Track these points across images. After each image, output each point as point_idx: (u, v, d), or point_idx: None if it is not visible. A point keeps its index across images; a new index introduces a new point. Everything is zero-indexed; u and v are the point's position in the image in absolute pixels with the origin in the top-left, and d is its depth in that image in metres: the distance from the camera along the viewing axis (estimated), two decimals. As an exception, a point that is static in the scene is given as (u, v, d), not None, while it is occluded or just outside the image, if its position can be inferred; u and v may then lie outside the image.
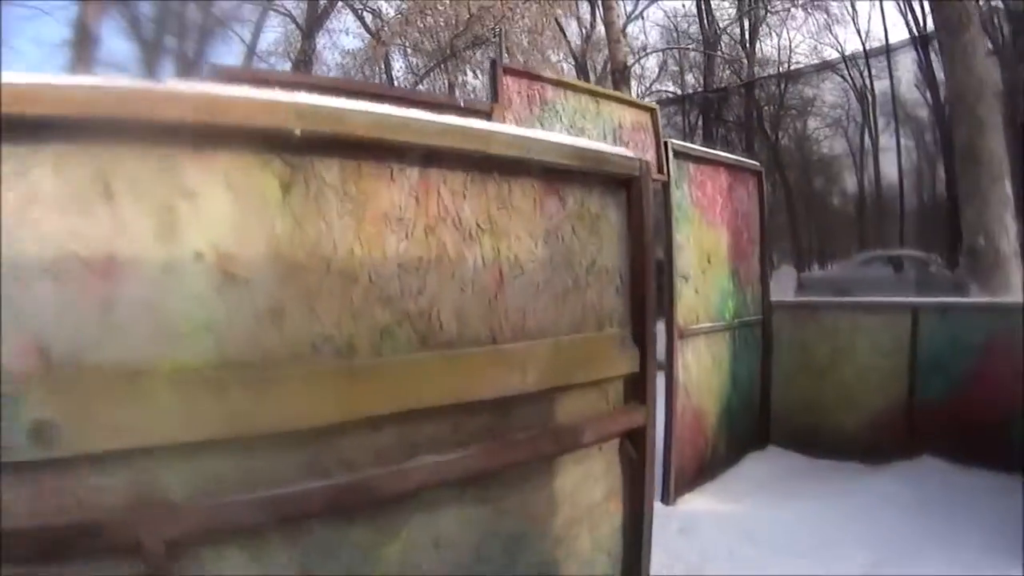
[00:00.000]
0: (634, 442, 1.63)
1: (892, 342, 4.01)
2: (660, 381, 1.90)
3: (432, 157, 1.31)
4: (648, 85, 19.40)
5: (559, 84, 3.15)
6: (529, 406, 1.42)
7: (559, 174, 1.48)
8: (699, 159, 3.96)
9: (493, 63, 2.97)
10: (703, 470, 3.92)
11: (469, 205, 1.35)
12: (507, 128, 1.38)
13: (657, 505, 3.76)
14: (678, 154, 3.74)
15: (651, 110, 3.64)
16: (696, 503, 3.62)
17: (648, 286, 1.63)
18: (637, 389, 1.62)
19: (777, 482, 3.88)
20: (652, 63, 19.62)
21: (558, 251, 1.47)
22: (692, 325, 3.80)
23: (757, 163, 4.69)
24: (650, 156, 3.57)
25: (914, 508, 3.24)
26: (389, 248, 1.28)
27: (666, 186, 3.62)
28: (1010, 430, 3.54)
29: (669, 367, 3.65)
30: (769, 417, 4.51)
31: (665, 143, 3.65)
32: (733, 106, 19.42)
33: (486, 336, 1.36)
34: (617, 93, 4.22)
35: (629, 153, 1.66)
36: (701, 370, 3.94)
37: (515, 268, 1.39)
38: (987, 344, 3.78)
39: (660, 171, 3.60)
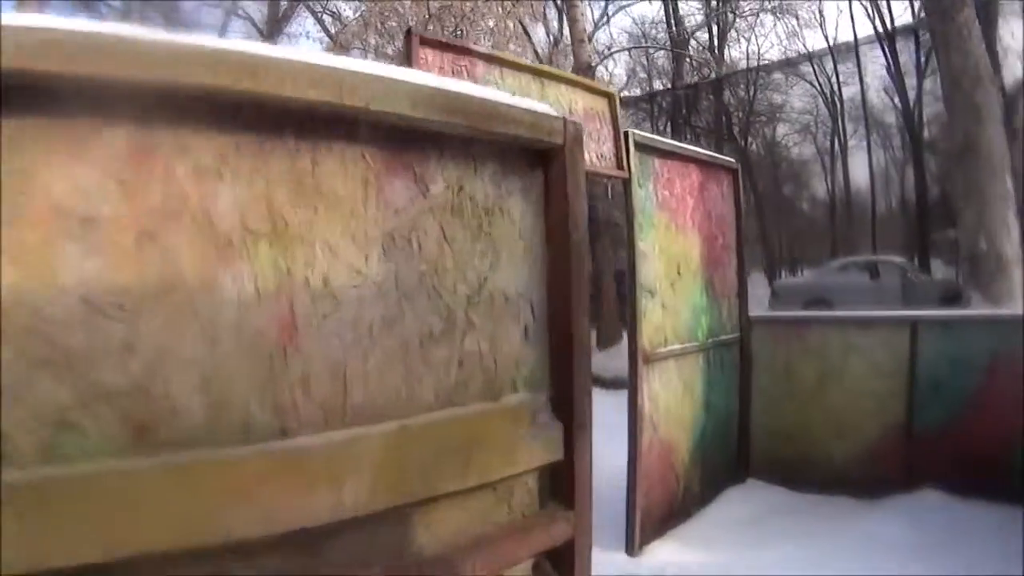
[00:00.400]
0: (557, 564, 1.03)
1: (889, 362, 3.50)
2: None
3: (158, 105, 0.71)
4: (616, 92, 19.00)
5: (493, 60, 2.57)
6: (358, 537, 0.81)
7: (416, 139, 0.89)
8: (666, 153, 3.42)
9: (408, 32, 2.39)
10: (674, 512, 3.38)
11: (231, 191, 0.74)
12: (309, 56, 0.77)
13: (620, 557, 3.27)
14: (641, 147, 3.19)
15: (608, 96, 3.10)
16: (665, 552, 3.17)
17: (578, 322, 1.04)
18: (560, 485, 1.02)
19: (758, 522, 3.46)
20: (620, 70, 19.29)
21: (410, 268, 0.87)
22: (659, 348, 3.24)
23: (732, 159, 4.17)
24: (607, 149, 3.01)
25: (913, 550, 2.82)
26: (67, 270, 0.67)
27: (627, 184, 3.06)
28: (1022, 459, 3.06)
29: (633, 397, 3.10)
30: (749, 448, 3.98)
31: (626, 134, 3.09)
32: (703, 111, 19.20)
33: (265, 423, 0.75)
34: (568, 74, 3.65)
35: (548, 109, 1.07)
36: (671, 398, 3.39)
37: (323, 301, 0.78)
38: (992, 363, 3.30)
39: (620, 167, 3.04)
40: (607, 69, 16.75)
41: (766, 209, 20.27)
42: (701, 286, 3.65)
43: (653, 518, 3.20)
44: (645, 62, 19.54)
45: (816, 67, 19.64)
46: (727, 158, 4.20)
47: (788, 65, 19.11)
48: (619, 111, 3.19)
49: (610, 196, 9.40)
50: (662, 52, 18.58)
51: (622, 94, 19.66)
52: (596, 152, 2.94)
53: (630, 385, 3.15)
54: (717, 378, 3.80)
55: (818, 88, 20.22)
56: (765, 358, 3.93)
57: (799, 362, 3.80)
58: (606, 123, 3.08)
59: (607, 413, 2.38)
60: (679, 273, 3.39)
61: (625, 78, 19.70)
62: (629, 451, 3.17)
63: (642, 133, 3.33)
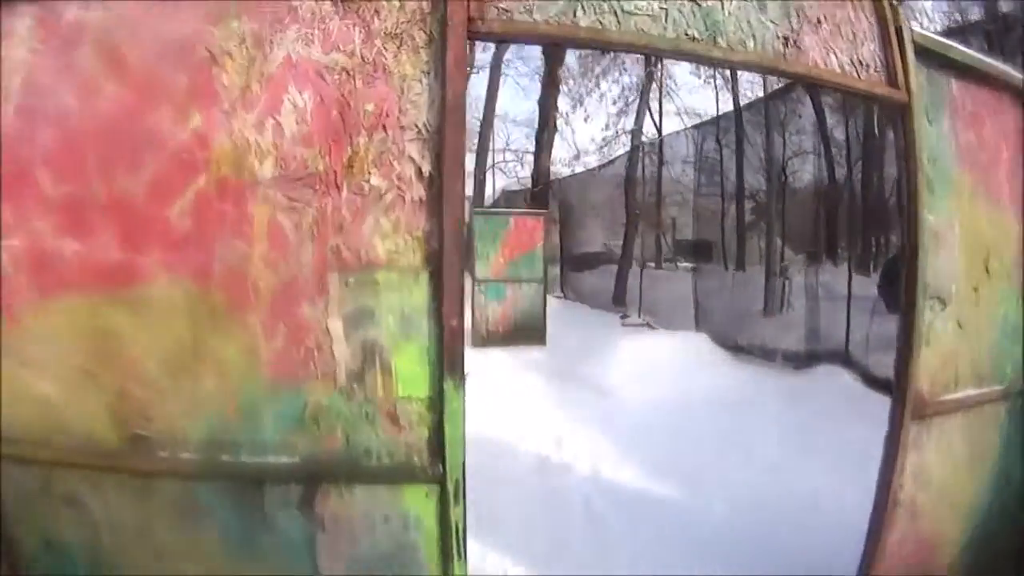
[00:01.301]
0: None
1: None
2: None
3: None
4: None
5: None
6: None
7: None
8: (970, 72, 2.04)
9: None
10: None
11: None
12: None
13: None
14: (927, 54, 1.89)
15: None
16: None
17: None
18: None
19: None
20: None
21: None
22: (945, 393, 1.93)
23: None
24: (868, 52, 1.79)
25: None
26: None
27: (904, 114, 1.80)
28: None
29: (887, 470, 1.89)
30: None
31: (898, 30, 1.83)
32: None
33: None
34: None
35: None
36: (948, 473, 2.07)
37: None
38: None
39: (893, 83, 1.79)
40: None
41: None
42: (1017, 295, 2.20)
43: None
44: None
45: None
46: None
47: None
48: None
49: (856, 132, 6.66)
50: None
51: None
52: (849, 55, 1.74)
53: (886, 450, 1.91)
54: (1015, 442, 2.32)
55: None
56: None
57: None
58: (863, 11, 1.84)
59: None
60: (988, 271, 2.01)
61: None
62: (866, 549, 1.96)
63: (927, 34, 2.01)
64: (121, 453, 1.46)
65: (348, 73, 1.45)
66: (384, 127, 1.47)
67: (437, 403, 1.51)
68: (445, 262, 1.47)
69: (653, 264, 12.22)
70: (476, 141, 21.51)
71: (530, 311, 8.43)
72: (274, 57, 1.44)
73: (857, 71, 1.77)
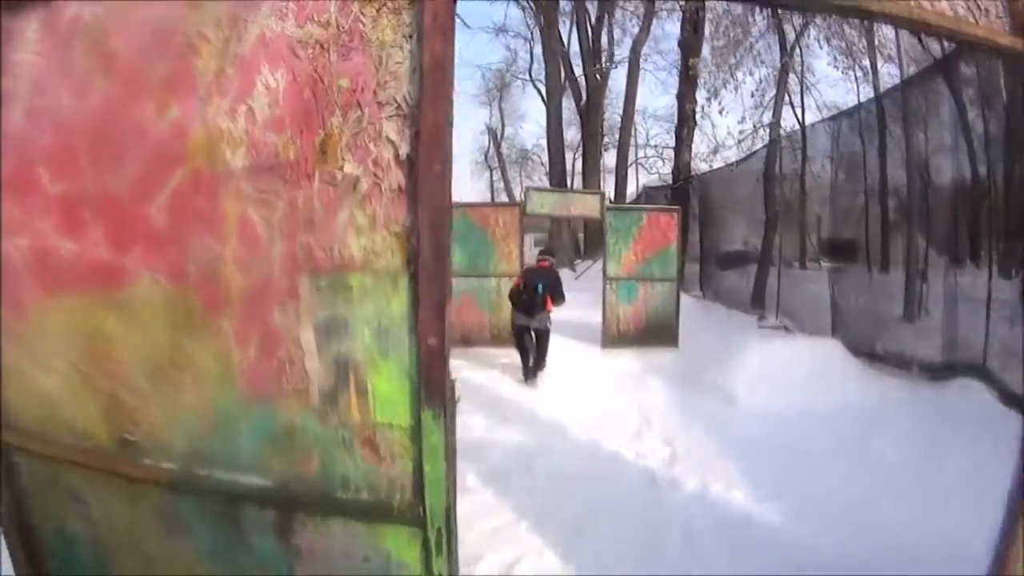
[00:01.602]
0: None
1: None
2: None
3: None
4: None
5: None
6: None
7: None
8: None
9: None
10: None
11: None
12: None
13: None
14: None
15: None
16: None
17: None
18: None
19: None
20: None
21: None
22: None
23: None
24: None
25: None
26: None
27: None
28: None
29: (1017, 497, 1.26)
30: None
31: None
32: None
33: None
34: None
35: None
36: None
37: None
38: None
39: (1020, 33, 1.16)
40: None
41: None
42: None
43: None
44: None
45: None
46: None
47: None
48: None
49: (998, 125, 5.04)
50: None
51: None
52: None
53: (1016, 477, 1.27)
54: None
55: None
56: None
57: None
58: None
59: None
60: None
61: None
62: None
63: None
64: (113, 455, 1.43)
65: (322, 46, 1.26)
66: (359, 104, 1.25)
67: (419, 434, 1.26)
68: (422, 264, 1.22)
69: (797, 264, 10.92)
70: (618, 137, 20.95)
71: (662, 311, 7.94)
72: (248, 36, 1.29)
73: (974, 16, 1.18)
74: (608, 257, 7.85)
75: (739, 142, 12.69)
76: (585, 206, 8.28)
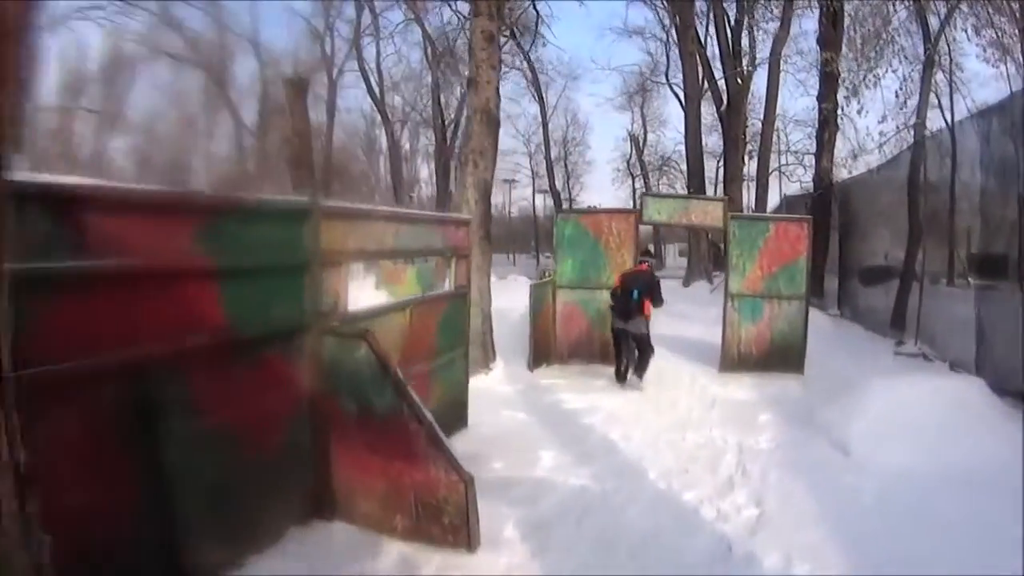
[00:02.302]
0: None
1: None
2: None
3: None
4: None
5: None
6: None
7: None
8: None
9: None
10: None
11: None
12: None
13: None
14: None
15: None
16: None
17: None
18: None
19: None
20: None
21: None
22: None
23: None
24: None
25: None
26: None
27: None
28: None
29: None
30: None
31: None
32: None
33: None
34: None
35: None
36: None
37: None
38: None
39: None
40: None
41: None
42: None
43: None
44: None
45: None
46: None
47: None
48: None
49: None
50: None
51: None
52: None
53: None
54: None
55: None
56: None
57: None
58: None
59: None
60: None
61: None
62: None
63: None
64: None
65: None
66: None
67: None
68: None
69: (945, 281, 9.68)
70: (759, 144, 19.62)
71: (788, 333, 7.35)
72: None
73: None
74: (731, 271, 7.39)
75: (880, 145, 11.56)
76: (706, 214, 7.75)
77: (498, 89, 6.64)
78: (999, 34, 9.78)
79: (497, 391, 6.08)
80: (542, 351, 7.34)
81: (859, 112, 11.82)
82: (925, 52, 10.19)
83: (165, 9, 19.27)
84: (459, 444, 3.89)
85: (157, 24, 19.32)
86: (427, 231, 4.16)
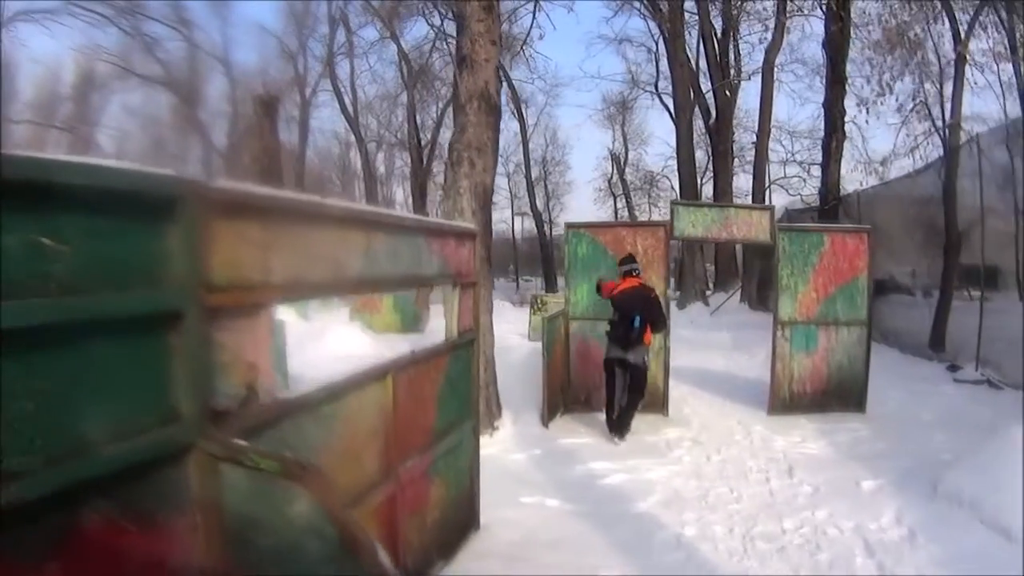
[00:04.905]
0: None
1: None
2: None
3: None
4: None
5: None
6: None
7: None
8: None
9: None
10: None
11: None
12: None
13: None
14: None
15: None
16: None
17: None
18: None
19: None
20: None
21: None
22: None
23: None
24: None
25: None
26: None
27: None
28: None
29: None
30: None
31: None
32: None
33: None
34: None
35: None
36: None
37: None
38: None
39: None
40: None
41: None
42: None
43: None
44: None
45: None
46: None
47: None
48: None
49: None
50: None
51: None
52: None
53: None
54: None
55: None
56: None
57: None
58: None
59: None
60: None
61: None
62: None
63: None
64: None
65: None
66: None
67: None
68: None
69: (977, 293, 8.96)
70: (752, 157, 18.85)
71: (847, 366, 6.14)
72: None
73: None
74: (781, 293, 6.09)
75: (912, 150, 10.62)
76: (751, 225, 6.26)
77: (498, 70, 5.28)
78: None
79: (509, 463, 4.58)
80: (555, 397, 5.88)
81: (867, 122, 11.06)
82: (955, 48, 9.28)
83: (137, 28, 18.92)
84: (473, 565, 2.91)
85: (128, 43, 18.95)
86: (414, 245, 2.58)
